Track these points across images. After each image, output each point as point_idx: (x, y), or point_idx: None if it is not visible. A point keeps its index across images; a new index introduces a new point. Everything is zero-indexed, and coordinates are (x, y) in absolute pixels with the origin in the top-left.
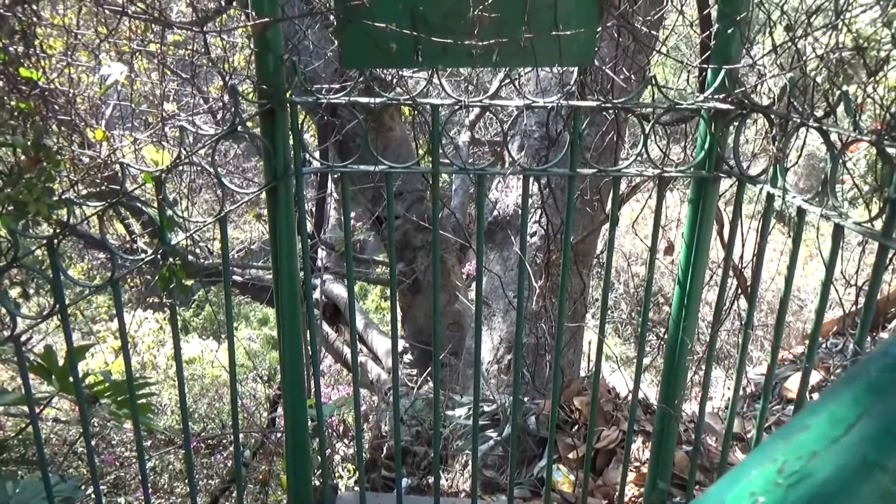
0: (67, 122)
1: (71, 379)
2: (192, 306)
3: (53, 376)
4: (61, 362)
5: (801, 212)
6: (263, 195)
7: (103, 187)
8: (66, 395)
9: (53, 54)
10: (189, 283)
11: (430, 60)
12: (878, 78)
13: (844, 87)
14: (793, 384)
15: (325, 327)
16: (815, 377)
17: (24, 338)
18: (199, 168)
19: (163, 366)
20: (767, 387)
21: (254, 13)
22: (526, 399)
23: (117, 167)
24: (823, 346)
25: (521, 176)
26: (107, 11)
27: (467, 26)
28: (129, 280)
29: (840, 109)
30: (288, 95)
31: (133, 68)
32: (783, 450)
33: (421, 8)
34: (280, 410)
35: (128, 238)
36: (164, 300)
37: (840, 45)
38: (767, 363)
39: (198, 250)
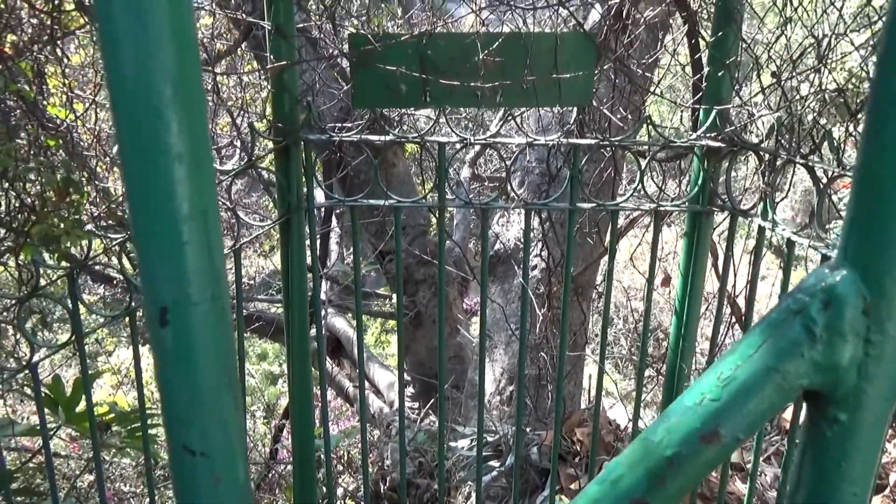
0: (82, 157)
1: (79, 408)
2: None
3: (60, 407)
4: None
5: (790, 243)
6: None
7: (124, 220)
8: (74, 426)
9: (60, 90)
10: None
11: (438, 101)
12: (859, 118)
13: (829, 126)
14: (789, 414)
15: (327, 361)
16: None
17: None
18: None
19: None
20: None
21: (272, 56)
22: (528, 430)
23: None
24: None
25: (523, 210)
26: None
27: (473, 69)
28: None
29: (826, 147)
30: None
31: None
32: (721, 365)
33: (429, 52)
34: (282, 442)
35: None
36: None
37: (823, 88)
38: None
39: None
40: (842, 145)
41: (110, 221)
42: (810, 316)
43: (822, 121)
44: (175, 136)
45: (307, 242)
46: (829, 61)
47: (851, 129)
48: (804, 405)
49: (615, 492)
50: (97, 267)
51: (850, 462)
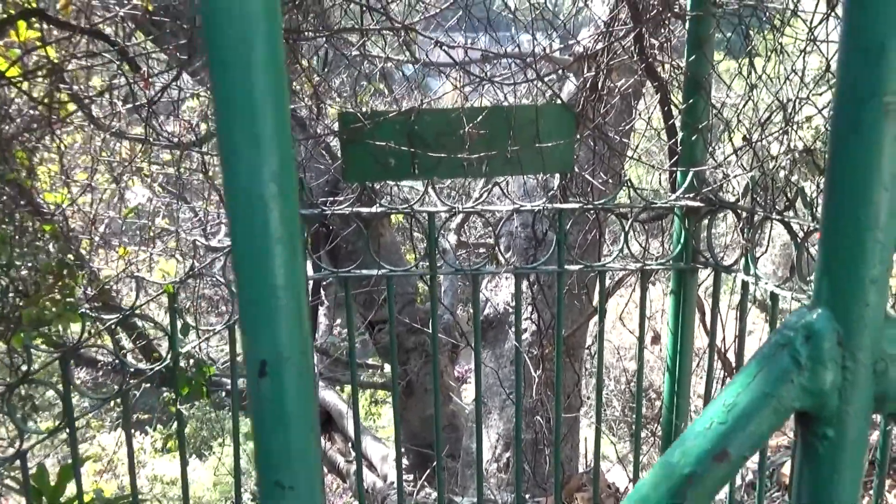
0: (75, 240)
1: (65, 498)
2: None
3: (45, 498)
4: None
5: (774, 296)
6: None
7: (113, 303)
8: None
9: (53, 175)
10: (204, 388)
11: (426, 172)
12: None
13: (800, 183)
14: (788, 469)
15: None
16: None
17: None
18: (205, 280)
19: (145, 488)
20: (762, 472)
21: None
22: (527, 496)
23: (112, 282)
24: None
25: (512, 275)
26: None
27: (459, 141)
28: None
29: (800, 202)
30: None
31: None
32: (725, 394)
33: (416, 127)
34: None
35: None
36: (167, 410)
37: (792, 147)
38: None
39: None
40: (815, 200)
41: (98, 304)
42: (795, 348)
43: (794, 178)
44: (277, 224)
45: None
46: (795, 123)
47: (822, 184)
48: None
49: None
50: (80, 350)
51: (841, 471)
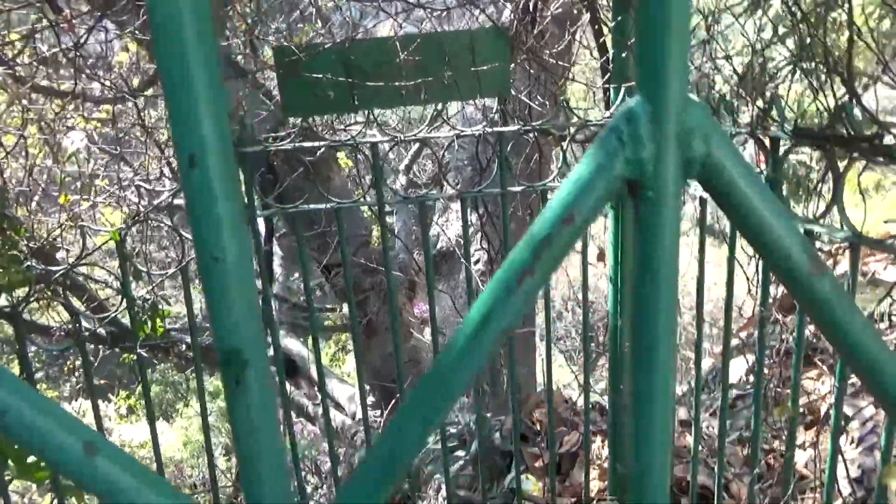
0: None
1: (31, 459)
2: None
3: (10, 460)
4: None
5: (703, 201)
6: None
7: (55, 262)
8: (27, 478)
9: None
10: (161, 331)
11: (365, 103)
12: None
13: (722, 92)
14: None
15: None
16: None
17: None
18: (153, 226)
19: None
20: (698, 375)
21: None
22: (489, 415)
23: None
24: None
25: (459, 205)
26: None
27: (396, 70)
28: (67, 365)
29: (723, 109)
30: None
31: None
32: (572, 174)
33: (352, 58)
34: None
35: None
36: (127, 360)
37: (714, 57)
38: (695, 357)
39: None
40: (737, 108)
41: (41, 261)
42: (620, 129)
43: (717, 87)
44: (190, 20)
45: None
46: (716, 33)
47: (742, 92)
48: None
49: (512, 267)
50: (27, 308)
51: (661, 226)
